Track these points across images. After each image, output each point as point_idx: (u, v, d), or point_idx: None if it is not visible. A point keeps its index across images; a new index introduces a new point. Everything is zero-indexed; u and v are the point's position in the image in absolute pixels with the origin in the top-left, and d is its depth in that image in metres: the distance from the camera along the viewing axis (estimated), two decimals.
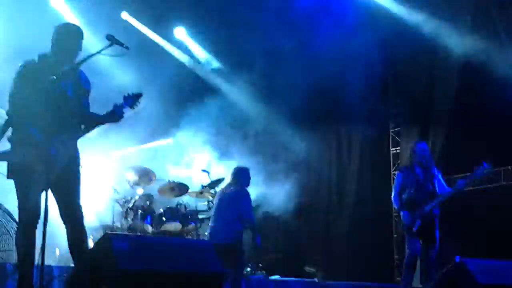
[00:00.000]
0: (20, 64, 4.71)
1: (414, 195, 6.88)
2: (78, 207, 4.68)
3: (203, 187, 8.86)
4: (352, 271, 10.11)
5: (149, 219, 8.40)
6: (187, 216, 8.55)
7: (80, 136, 4.83)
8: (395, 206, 7.26)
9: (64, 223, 4.65)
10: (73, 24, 4.98)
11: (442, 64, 9.93)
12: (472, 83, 9.20)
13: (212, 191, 8.80)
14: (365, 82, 10.11)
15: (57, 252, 7.77)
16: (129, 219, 8.41)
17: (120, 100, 4.80)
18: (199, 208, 8.92)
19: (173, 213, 8.48)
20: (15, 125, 4.59)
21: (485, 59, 8.66)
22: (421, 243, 6.85)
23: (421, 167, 6.97)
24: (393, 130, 10.93)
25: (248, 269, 8.86)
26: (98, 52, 4.70)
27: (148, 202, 8.68)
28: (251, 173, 7.53)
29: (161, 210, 8.55)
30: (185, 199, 8.96)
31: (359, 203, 10.80)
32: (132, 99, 4.87)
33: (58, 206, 4.68)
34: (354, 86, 9.95)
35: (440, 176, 7.05)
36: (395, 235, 10.50)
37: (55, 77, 4.49)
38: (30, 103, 4.53)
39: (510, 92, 8.34)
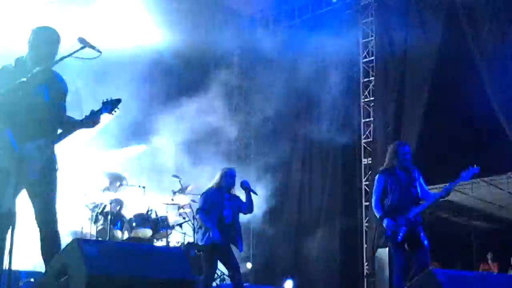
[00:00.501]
0: None
1: (397, 201, 6.35)
2: (53, 213, 4.65)
3: (174, 193, 8.83)
4: (323, 281, 10.16)
5: (119, 224, 8.32)
6: (157, 222, 8.49)
7: (57, 142, 4.77)
8: (377, 213, 6.48)
9: (38, 227, 4.61)
10: (51, 28, 4.93)
11: (413, 72, 10.07)
12: (444, 91, 9.35)
13: (182, 197, 8.77)
14: (339, 90, 10.20)
15: None
16: (98, 224, 8.33)
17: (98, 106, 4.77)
18: (169, 215, 8.87)
19: (144, 219, 8.43)
20: None
21: (456, 68, 8.81)
22: (407, 252, 6.34)
23: (403, 170, 6.47)
24: (365, 141, 11.01)
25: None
26: (70, 55, 4.69)
27: (118, 208, 8.61)
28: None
29: (132, 216, 8.49)
30: (155, 205, 8.90)
31: (330, 210, 10.86)
32: (111, 105, 4.83)
33: (34, 210, 4.64)
34: (328, 94, 10.04)
35: (421, 179, 6.54)
36: (365, 246, 10.56)
37: (25, 79, 4.45)
38: (5, 107, 4.48)
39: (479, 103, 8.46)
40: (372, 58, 10.87)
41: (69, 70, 5.07)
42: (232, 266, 6.79)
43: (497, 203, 11.80)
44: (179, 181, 8.96)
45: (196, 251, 7.02)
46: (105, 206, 8.48)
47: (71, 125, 4.80)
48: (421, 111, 9.76)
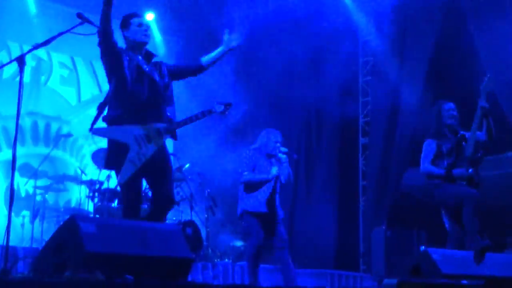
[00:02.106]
0: None
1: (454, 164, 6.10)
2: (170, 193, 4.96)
3: None
4: (318, 258, 10.18)
5: (116, 201, 8.33)
6: None
7: (176, 128, 5.07)
8: (434, 172, 6.14)
9: (155, 209, 4.92)
10: None
11: (412, 56, 10.02)
12: (441, 77, 9.31)
13: (179, 175, 8.77)
14: (339, 71, 10.11)
15: None
16: (95, 201, 8.34)
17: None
18: None
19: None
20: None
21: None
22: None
23: (451, 131, 6.25)
24: (363, 120, 10.99)
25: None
26: (68, 30, 4.70)
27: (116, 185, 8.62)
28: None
29: None
30: None
31: (326, 191, 10.86)
32: (223, 107, 5.19)
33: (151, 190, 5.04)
34: (327, 73, 9.95)
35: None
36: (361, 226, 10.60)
37: None
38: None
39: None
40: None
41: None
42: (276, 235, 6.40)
43: None
44: (176, 159, 8.97)
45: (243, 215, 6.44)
46: (102, 183, 8.49)
47: (192, 116, 5.07)
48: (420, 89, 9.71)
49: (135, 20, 4.93)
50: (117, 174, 4.82)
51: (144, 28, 4.93)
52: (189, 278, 4.59)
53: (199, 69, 5.23)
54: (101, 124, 4.91)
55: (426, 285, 4.94)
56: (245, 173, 6.45)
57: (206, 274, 7.58)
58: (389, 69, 10.21)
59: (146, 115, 4.80)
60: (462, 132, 6.28)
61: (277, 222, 6.43)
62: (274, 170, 6.46)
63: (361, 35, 10.90)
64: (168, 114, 4.97)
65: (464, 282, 5.09)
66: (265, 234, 6.35)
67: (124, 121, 4.76)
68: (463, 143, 6.20)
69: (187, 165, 8.92)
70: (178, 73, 5.15)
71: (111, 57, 4.79)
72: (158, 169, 4.84)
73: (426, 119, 6.68)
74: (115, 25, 4.83)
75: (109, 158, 4.84)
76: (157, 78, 4.89)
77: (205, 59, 5.24)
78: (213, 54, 5.24)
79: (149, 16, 10.47)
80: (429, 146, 6.26)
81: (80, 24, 4.75)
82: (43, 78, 10.21)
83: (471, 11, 8.94)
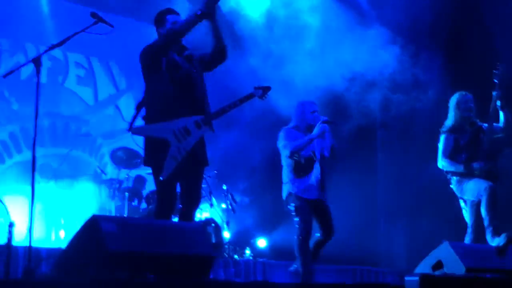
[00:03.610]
0: None
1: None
2: (198, 195, 5.04)
3: None
4: (339, 254, 10.11)
5: (136, 201, 8.36)
6: None
7: (214, 118, 5.06)
8: (452, 167, 6.10)
9: (182, 203, 4.96)
10: None
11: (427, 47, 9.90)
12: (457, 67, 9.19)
13: None
14: None
15: (62, 234, 7.83)
16: (116, 200, 8.37)
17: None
18: None
19: None
20: None
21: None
22: None
23: (468, 123, 6.19)
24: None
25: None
26: (83, 30, 4.72)
27: (137, 185, 8.69)
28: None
29: (149, 192, 8.51)
30: None
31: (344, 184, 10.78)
32: (261, 91, 5.23)
33: (181, 188, 4.98)
34: None
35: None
36: None
37: None
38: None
39: None
40: None
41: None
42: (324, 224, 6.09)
43: None
44: None
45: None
46: (122, 182, 8.52)
47: (229, 104, 5.09)
48: None
49: (170, 17, 4.93)
50: (154, 171, 4.80)
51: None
52: (211, 276, 4.60)
53: (218, 49, 5.02)
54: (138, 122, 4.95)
55: (449, 279, 4.91)
56: (286, 144, 5.99)
57: (228, 271, 7.58)
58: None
59: (184, 109, 4.80)
60: (479, 124, 6.22)
61: (326, 208, 6.11)
62: (317, 129, 5.96)
63: None
64: (204, 105, 4.95)
65: (487, 275, 5.05)
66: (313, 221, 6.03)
67: (163, 118, 4.77)
68: (481, 135, 6.14)
69: None
70: (206, 61, 5.05)
71: (153, 62, 4.82)
72: (195, 164, 4.86)
73: (444, 111, 6.59)
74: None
75: (147, 156, 4.84)
76: (192, 71, 4.89)
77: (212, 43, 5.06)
78: (210, 34, 5.03)
79: None
80: (446, 140, 6.20)
81: (94, 23, 4.76)
82: (60, 78, 10.25)
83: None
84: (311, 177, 6.06)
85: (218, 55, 5.04)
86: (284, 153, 6.08)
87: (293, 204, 6.04)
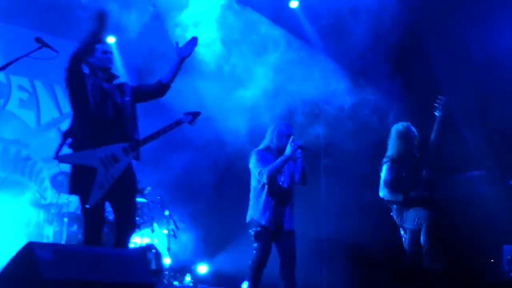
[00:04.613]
0: None
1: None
2: (132, 217, 5.03)
3: None
4: None
5: (75, 226, 8.20)
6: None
7: (143, 145, 5.08)
8: (392, 198, 6.24)
9: (117, 230, 4.92)
10: None
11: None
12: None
13: (140, 199, 8.70)
14: None
15: None
16: (54, 226, 8.20)
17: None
18: None
19: None
20: None
21: None
22: None
23: (409, 154, 6.33)
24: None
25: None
26: (26, 54, 4.69)
27: (78, 210, 8.53)
28: None
29: None
30: None
31: None
32: (192, 116, 5.24)
33: (114, 211, 4.94)
34: None
35: None
36: None
37: None
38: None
39: None
40: None
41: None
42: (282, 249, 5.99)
43: None
44: (138, 183, 8.90)
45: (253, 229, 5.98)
46: (62, 207, 8.38)
47: (157, 131, 5.06)
48: None
49: (99, 47, 4.94)
50: (81, 199, 4.77)
51: (108, 55, 4.96)
52: None
53: (160, 86, 5.23)
54: (66, 150, 4.88)
55: None
56: (262, 170, 5.84)
57: None
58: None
59: (111, 136, 4.79)
60: (418, 155, 6.37)
61: (285, 234, 5.97)
62: (289, 148, 5.81)
63: None
64: (133, 133, 4.96)
65: None
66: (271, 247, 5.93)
67: (89, 145, 4.76)
68: (421, 166, 6.28)
69: (149, 188, 8.85)
70: (142, 93, 5.18)
71: (77, 82, 4.79)
72: (124, 190, 4.84)
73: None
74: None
75: (73, 183, 4.80)
76: (119, 99, 4.90)
77: (163, 75, 5.24)
78: (169, 68, 5.24)
79: (110, 39, 10.45)
80: (389, 170, 6.31)
81: (39, 48, 4.74)
82: (1, 101, 10.06)
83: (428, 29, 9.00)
84: (278, 204, 5.94)
85: (160, 90, 5.22)
86: (257, 177, 5.95)
87: (253, 229, 5.96)
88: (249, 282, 5.90)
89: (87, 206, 4.70)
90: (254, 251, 5.92)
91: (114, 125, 4.84)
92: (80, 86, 4.81)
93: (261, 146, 6.11)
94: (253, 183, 6.04)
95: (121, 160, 4.77)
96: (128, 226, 4.90)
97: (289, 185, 6.04)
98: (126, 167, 4.84)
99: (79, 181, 4.77)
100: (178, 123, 5.19)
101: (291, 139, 5.90)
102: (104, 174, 4.69)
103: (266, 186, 5.89)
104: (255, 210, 5.95)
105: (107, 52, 4.99)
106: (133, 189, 4.98)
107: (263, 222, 5.90)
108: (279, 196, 5.94)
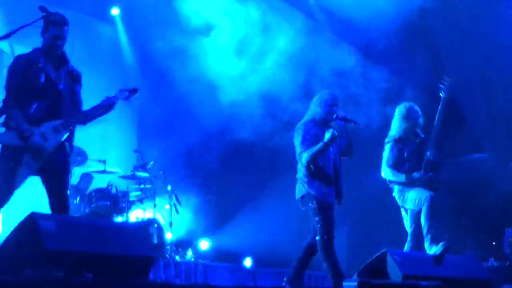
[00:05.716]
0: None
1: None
2: (65, 198, 4.78)
3: (135, 168, 8.76)
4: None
5: (78, 199, 8.22)
6: (117, 197, 8.41)
7: (73, 125, 4.87)
8: (395, 177, 6.16)
9: (51, 211, 4.67)
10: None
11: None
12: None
13: (143, 173, 8.71)
14: None
15: None
16: None
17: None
18: (130, 190, 8.80)
19: (103, 194, 8.33)
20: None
21: None
22: None
23: (412, 135, 6.25)
24: None
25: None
26: (30, 23, 4.67)
27: (82, 183, 8.59)
28: None
29: (91, 191, 8.39)
30: (116, 180, 8.80)
31: None
32: (128, 93, 4.98)
33: (47, 194, 4.76)
34: None
35: None
36: None
37: None
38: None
39: None
40: None
41: None
42: None
43: None
44: (141, 156, 8.91)
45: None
46: None
47: (88, 112, 4.84)
48: None
49: (53, 29, 4.77)
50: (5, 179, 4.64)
51: (59, 42, 4.79)
52: (151, 277, 4.57)
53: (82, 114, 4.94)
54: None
55: (386, 286, 4.99)
56: (302, 152, 5.47)
57: (168, 273, 7.54)
58: None
59: (45, 117, 4.69)
60: (422, 135, 6.36)
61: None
62: (328, 134, 5.43)
63: None
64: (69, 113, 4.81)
65: (423, 283, 5.16)
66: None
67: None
68: (424, 147, 6.28)
69: (151, 163, 8.85)
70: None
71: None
72: (55, 171, 4.72)
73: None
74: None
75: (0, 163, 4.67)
76: (61, 84, 4.78)
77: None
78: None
79: (114, 11, 10.39)
80: (391, 150, 6.29)
81: (43, 17, 4.69)
82: (4, 71, 10.02)
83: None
84: (326, 179, 5.62)
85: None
86: (302, 160, 5.60)
87: (310, 203, 5.57)
88: (327, 259, 5.52)
89: (16, 186, 4.60)
90: (319, 224, 5.51)
91: (49, 107, 4.72)
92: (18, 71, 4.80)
93: (305, 118, 5.71)
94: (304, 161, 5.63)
95: (51, 139, 4.66)
96: (61, 208, 4.71)
97: (338, 157, 5.77)
98: (57, 146, 4.71)
99: (3, 161, 4.63)
100: (110, 100, 4.89)
101: (334, 116, 5.62)
102: (33, 153, 4.59)
103: (319, 158, 5.58)
104: (310, 184, 5.57)
105: (57, 37, 4.76)
106: (64, 172, 4.82)
107: (321, 196, 5.57)
108: (330, 169, 5.66)
